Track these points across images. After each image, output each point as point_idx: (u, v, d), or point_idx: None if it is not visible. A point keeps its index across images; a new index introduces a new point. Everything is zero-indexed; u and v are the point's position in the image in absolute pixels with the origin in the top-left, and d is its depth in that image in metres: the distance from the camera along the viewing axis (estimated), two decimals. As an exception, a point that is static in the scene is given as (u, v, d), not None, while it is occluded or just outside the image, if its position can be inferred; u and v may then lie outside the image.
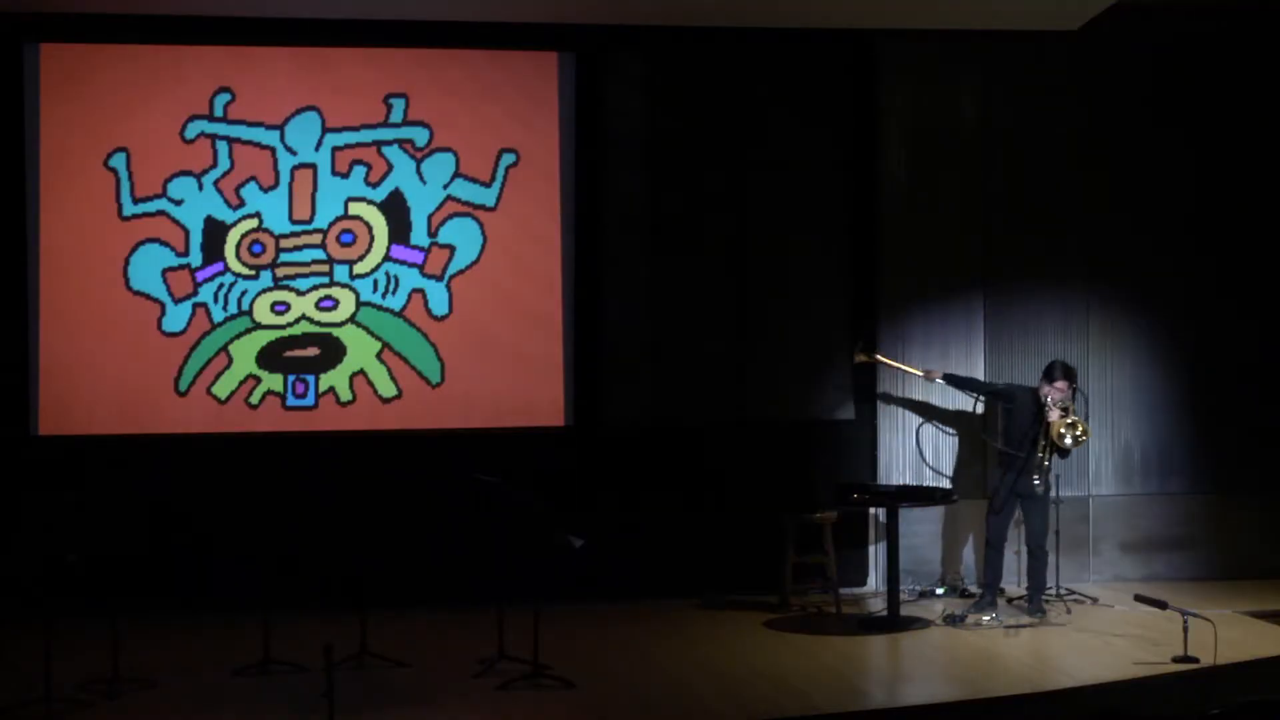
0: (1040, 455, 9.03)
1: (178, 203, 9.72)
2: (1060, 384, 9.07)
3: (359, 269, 9.87)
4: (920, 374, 9.95)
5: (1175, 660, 7.80)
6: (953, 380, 9.77)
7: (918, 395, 10.26)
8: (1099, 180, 10.52)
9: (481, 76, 10.01)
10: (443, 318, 9.94)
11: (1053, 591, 9.53)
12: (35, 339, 9.56)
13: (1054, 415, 9.01)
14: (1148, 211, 10.56)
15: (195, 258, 9.73)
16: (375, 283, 9.87)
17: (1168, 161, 10.59)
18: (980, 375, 10.20)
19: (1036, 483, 9.05)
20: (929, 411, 10.26)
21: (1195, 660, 7.73)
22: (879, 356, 10.02)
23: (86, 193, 9.64)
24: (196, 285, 9.72)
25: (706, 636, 8.78)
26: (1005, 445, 9.24)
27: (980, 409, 9.96)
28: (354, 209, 9.88)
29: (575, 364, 10.07)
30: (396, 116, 9.92)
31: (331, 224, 9.85)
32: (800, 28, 10.10)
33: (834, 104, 10.43)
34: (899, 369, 10.04)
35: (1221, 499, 10.56)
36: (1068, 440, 9.04)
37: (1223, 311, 10.60)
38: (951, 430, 10.25)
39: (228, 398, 9.72)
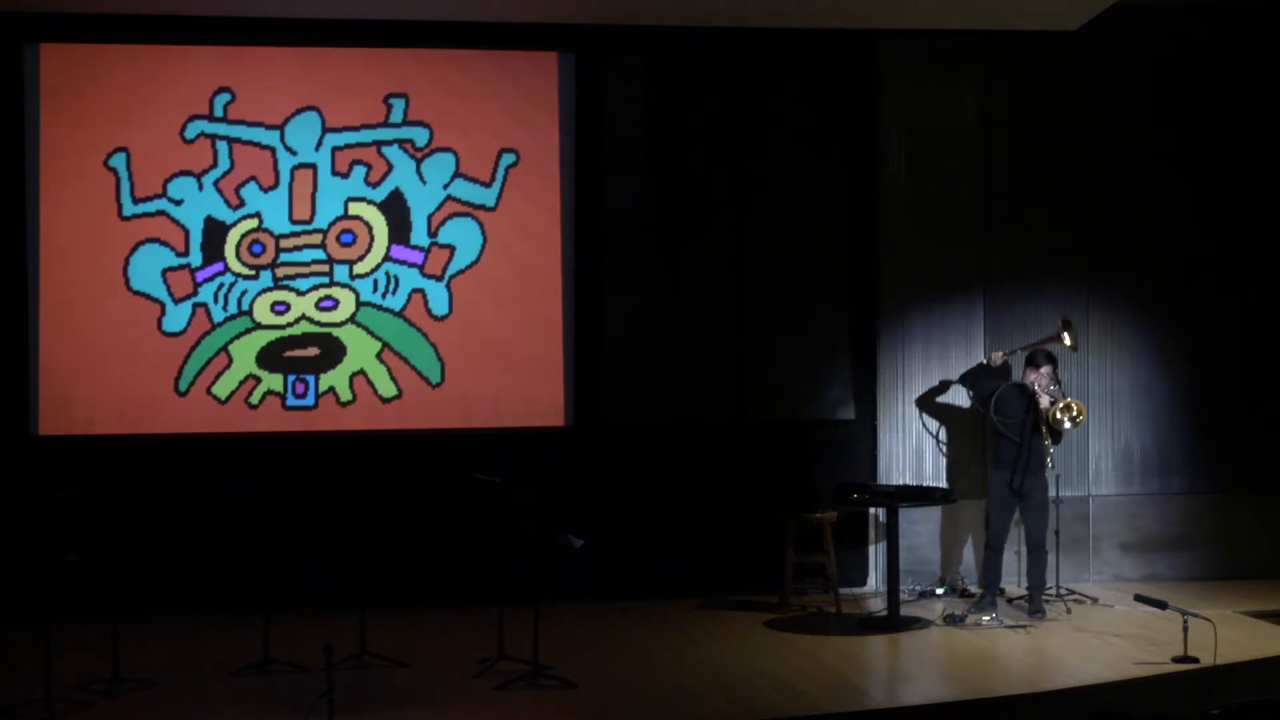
0: (1045, 443, 9.10)
1: (178, 203, 9.72)
2: (1045, 369, 9.17)
3: (359, 269, 9.87)
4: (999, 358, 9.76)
5: (1175, 660, 7.80)
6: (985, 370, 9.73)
7: (918, 398, 10.29)
8: (1099, 180, 10.52)
9: (481, 76, 10.01)
10: (443, 318, 9.94)
11: (1053, 591, 9.53)
12: (35, 339, 9.55)
13: (1044, 402, 9.08)
14: (1147, 211, 10.56)
15: (195, 258, 9.73)
16: (375, 283, 9.87)
17: (1167, 161, 10.59)
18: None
19: (1051, 466, 9.17)
20: (933, 413, 10.28)
21: (1195, 660, 7.73)
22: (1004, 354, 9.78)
23: (86, 193, 9.63)
24: (196, 285, 9.72)
25: (706, 636, 8.78)
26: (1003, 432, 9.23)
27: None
28: (354, 209, 9.89)
29: (575, 364, 10.07)
30: (396, 116, 9.92)
31: (331, 224, 9.85)
32: (800, 28, 10.11)
33: (834, 103, 10.43)
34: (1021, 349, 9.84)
35: (1221, 499, 10.57)
36: (1066, 424, 9.14)
37: (1223, 312, 10.60)
38: (945, 440, 10.27)
39: (228, 398, 9.72)
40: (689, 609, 9.61)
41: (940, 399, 10.26)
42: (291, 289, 9.80)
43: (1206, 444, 10.58)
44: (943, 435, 10.30)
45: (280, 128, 9.82)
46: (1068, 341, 9.62)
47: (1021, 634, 8.70)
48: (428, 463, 9.72)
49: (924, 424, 10.29)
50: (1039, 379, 9.15)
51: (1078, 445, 10.34)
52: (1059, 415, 9.07)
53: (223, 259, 9.75)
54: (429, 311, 9.92)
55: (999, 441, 9.29)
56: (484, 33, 9.88)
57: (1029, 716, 7.21)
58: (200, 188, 9.73)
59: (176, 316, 9.69)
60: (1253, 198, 10.66)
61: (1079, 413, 9.14)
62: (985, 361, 9.72)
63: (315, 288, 9.83)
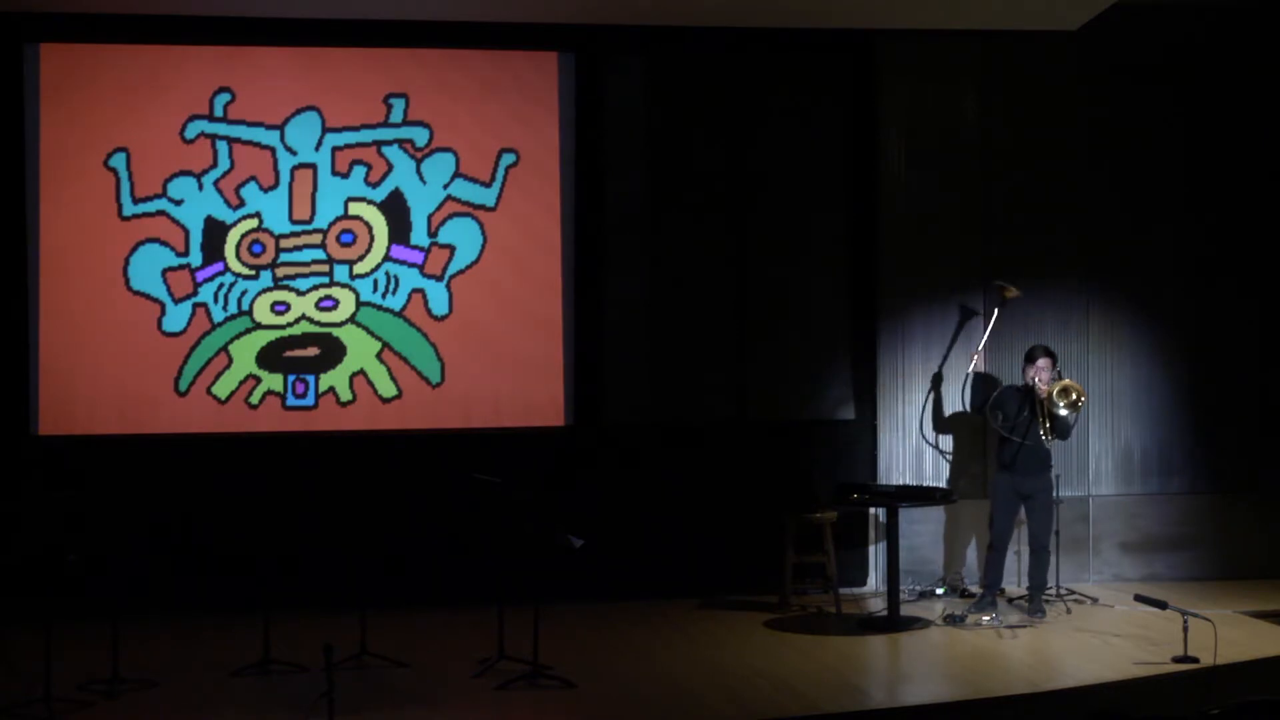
0: (1043, 435, 9.07)
1: (178, 203, 9.72)
2: (1042, 362, 9.15)
3: (359, 269, 9.87)
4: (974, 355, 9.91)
5: (1175, 660, 7.80)
6: (978, 378, 9.73)
7: (917, 398, 10.28)
8: (1099, 179, 10.52)
9: (481, 76, 10.02)
10: (443, 318, 9.94)
11: (1053, 591, 9.54)
12: (35, 339, 9.56)
13: (1043, 391, 9.06)
14: (1148, 211, 10.57)
15: (195, 258, 9.73)
16: (375, 283, 9.87)
17: (1167, 161, 10.60)
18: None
19: (1052, 466, 9.20)
20: (939, 420, 10.29)
21: (1195, 660, 7.73)
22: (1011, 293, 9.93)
23: (86, 193, 9.64)
24: (196, 285, 9.72)
25: (706, 636, 8.78)
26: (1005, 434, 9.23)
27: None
28: (354, 209, 9.89)
29: (575, 364, 10.07)
30: (396, 116, 9.92)
31: (331, 224, 9.86)
32: (800, 28, 10.11)
33: (834, 103, 10.43)
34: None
35: (1221, 499, 10.57)
36: (1062, 408, 9.02)
37: (1223, 311, 10.60)
38: (947, 446, 10.28)
39: (228, 398, 9.72)
40: (689, 609, 9.61)
41: (940, 399, 10.26)
42: (291, 289, 9.80)
43: (1206, 444, 10.59)
44: (942, 441, 10.29)
45: (280, 128, 9.82)
46: (1012, 293, 9.82)
47: (1021, 634, 8.70)
48: (428, 463, 9.72)
49: (923, 435, 10.28)
50: (1037, 373, 9.15)
51: (1078, 445, 10.34)
52: (1055, 398, 9.04)
53: (223, 259, 9.75)
54: (429, 311, 9.92)
55: (1002, 442, 9.29)
56: (484, 33, 9.89)
57: (1029, 716, 7.21)
58: (200, 188, 9.73)
59: (176, 316, 9.69)
60: (1253, 198, 10.66)
61: (1078, 396, 9.07)
62: (971, 371, 9.73)
63: (315, 288, 9.83)
